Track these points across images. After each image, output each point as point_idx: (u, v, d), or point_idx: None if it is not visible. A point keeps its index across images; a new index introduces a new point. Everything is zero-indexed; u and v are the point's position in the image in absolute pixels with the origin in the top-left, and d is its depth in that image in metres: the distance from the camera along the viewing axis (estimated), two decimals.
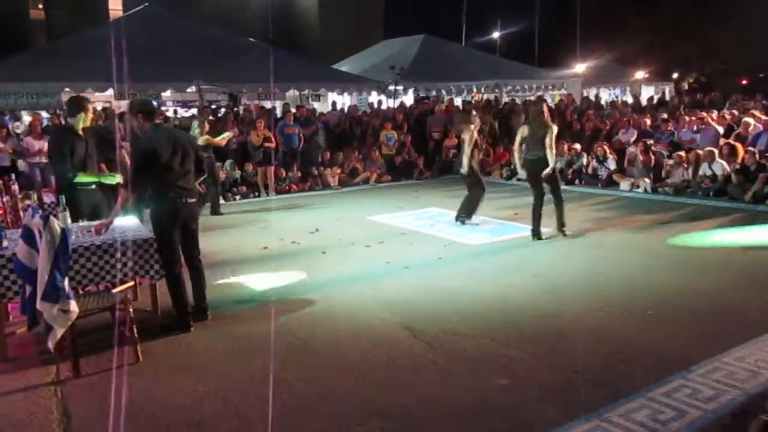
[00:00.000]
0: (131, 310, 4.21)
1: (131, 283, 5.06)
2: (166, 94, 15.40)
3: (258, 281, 6.03)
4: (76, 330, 4.02)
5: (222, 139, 10.04)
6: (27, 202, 6.69)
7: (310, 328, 4.73)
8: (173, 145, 4.61)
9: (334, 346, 4.40)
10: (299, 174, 12.49)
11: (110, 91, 13.33)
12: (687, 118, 12.84)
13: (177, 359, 4.24)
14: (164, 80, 14.01)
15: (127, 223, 5.17)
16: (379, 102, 16.69)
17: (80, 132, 5.55)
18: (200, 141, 9.46)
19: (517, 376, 3.83)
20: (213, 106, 15.35)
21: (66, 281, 3.81)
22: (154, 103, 4.97)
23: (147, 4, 17.46)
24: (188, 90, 14.77)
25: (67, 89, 13.44)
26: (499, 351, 4.21)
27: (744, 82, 30.30)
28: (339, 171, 12.89)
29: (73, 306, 3.82)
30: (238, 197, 11.26)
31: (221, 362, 4.17)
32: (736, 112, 13.27)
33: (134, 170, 4.63)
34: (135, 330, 4.19)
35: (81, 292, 4.63)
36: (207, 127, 9.85)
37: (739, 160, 10.11)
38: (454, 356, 4.15)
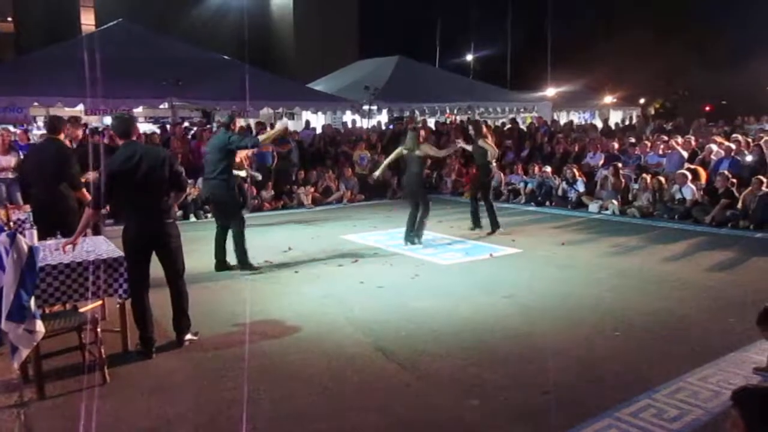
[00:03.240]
0: (99, 330, 4.13)
1: (99, 303, 4.98)
2: (138, 110, 15.26)
3: (229, 301, 5.97)
4: (41, 351, 3.93)
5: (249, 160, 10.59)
6: None
7: (282, 349, 4.70)
8: (140, 164, 4.42)
9: (306, 366, 4.37)
10: (272, 192, 12.45)
11: (81, 107, 13.17)
12: (650, 143, 13.20)
13: (146, 381, 4.16)
14: (137, 96, 13.92)
15: (95, 241, 5.09)
16: (353, 121, 16.79)
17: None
18: None
19: (489, 397, 3.86)
20: (185, 124, 15.25)
21: (32, 300, 3.74)
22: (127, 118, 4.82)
23: (120, 19, 17.37)
24: (161, 106, 14.67)
25: (36, 104, 13.25)
26: (471, 371, 4.24)
27: (707, 108, 31.30)
28: (312, 190, 12.90)
29: (39, 326, 3.74)
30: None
31: (192, 384, 4.12)
32: (693, 137, 13.65)
33: (101, 188, 4.50)
34: (102, 350, 4.11)
35: (47, 311, 4.53)
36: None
37: (703, 181, 10.43)
38: (427, 377, 4.17)
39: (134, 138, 4.69)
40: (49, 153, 5.83)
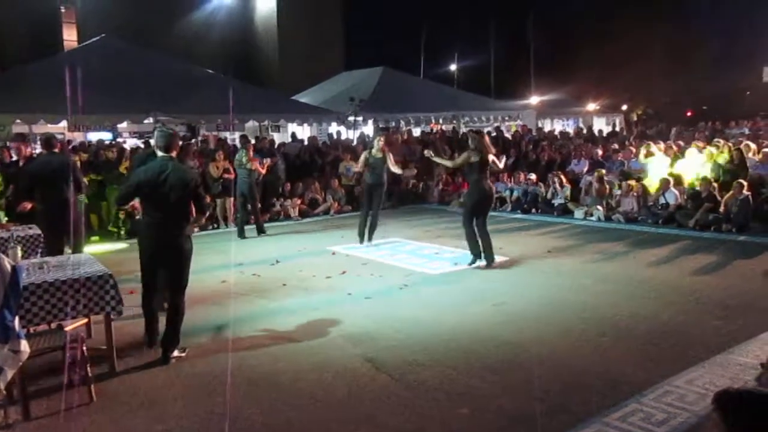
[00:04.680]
0: (84, 348, 4.10)
1: (84, 321, 4.93)
2: (123, 125, 15.20)
3: (217, 315, 5.94)
4: (26, 370, 3.89)
5: (264, 165, 10.93)
6: None
7: (271, 362, 4.68)
8: (163, 180, 4.63)
9: (296, 379, 4.36)
10: (259, 205, 12.39)
11: (64, 123, 13.07)
12: (635, 149, 13.37)
13: (133, 398, 4.13)
14: (121, 111, 13.84)
15: (80, 258, 5.06)
16: (339, 133, 16.83)
17: None
18: (248, 166, 10.29)
19: (479, 406, 3.87)
20: None
21: (16, 320, 3.69)
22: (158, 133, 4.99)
23: (104, 35, 17.31)
24: (145, 121, 14.61)
25: (18, 121, 13.14)
26: (461, 380, 4.25)
27: (689, 113, 31.78)
28: (299, 202, 12.88)
29: (24, 346, 3.69)
30: (196, 229, 11.09)
31: (180, 399, 4.09)
32: (682, 143, 13.86)
33: (122, 188, 5.15)
34: (88, 369, 4.07)
35: (32, 331, 4.48)
36: (251, 155, 10.58)
37: (686, 185, 10.57)
38: (416, 387, 4.17)
39: (174, 153, 4.83)
40: (57, 165, 6.72)
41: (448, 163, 9.00)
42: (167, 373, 4.54)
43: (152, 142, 5.66)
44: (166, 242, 4.74)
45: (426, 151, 8.89)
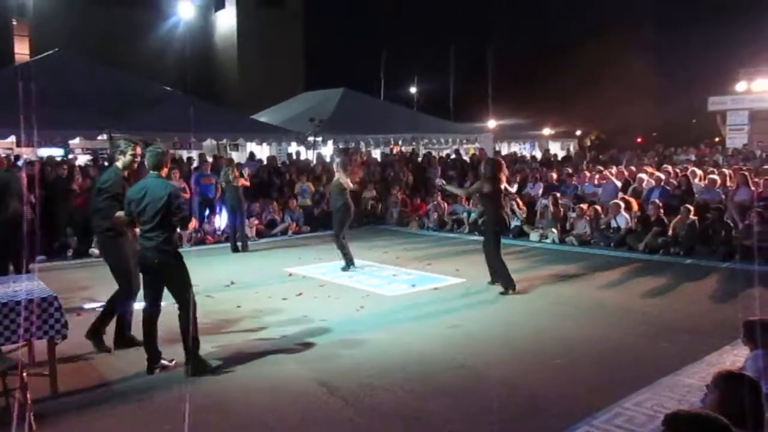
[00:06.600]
0: (25, 374, 3.91)
1: (25, 345, 4.73)
2: (75, 141, 14.80)
3: (166, 338, 5.75)
4: None
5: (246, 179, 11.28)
6: None
7: (221, 387, 4.57)
8: (142, 196, 4.83)
9: (247, 404, 4.26)
10: (215, 225, 12.22)
11: (12, 138, 12.65)
12: (589, 174, 13.74)
13: (76, 427, 3.96)
14: (73, 127, 13.48)
15: (24, 280, 4.86)
16: (297, 153, 16.78)
17: None
18: (235, 183, 10.82)
19: (433, 430, 3.85)
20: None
21: None
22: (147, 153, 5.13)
23: (57, 49, 16.89)
24: (99, 138, 14.25)
25: None
26: (416, 404, 4.22)
27: (639, 140, 32.95)
28: (257, 222, 12.73)
29: None
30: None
31: (126, 428, 3.94)
32: (633, 168, 14.30)
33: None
34: (28, 396, 3.89)
35: None
36: (237, 172, 11.04)
37: (636, 210, 10.89)
38: (371, 411, 4.13)
39: (163, 172, 5.01)
40: (6, 182, 6.75)
41: (460, 192, 9.01)
42: (113, 400, 4.37)
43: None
44: (148, 255, 4.88)
45: (438, 181, 9.14)
